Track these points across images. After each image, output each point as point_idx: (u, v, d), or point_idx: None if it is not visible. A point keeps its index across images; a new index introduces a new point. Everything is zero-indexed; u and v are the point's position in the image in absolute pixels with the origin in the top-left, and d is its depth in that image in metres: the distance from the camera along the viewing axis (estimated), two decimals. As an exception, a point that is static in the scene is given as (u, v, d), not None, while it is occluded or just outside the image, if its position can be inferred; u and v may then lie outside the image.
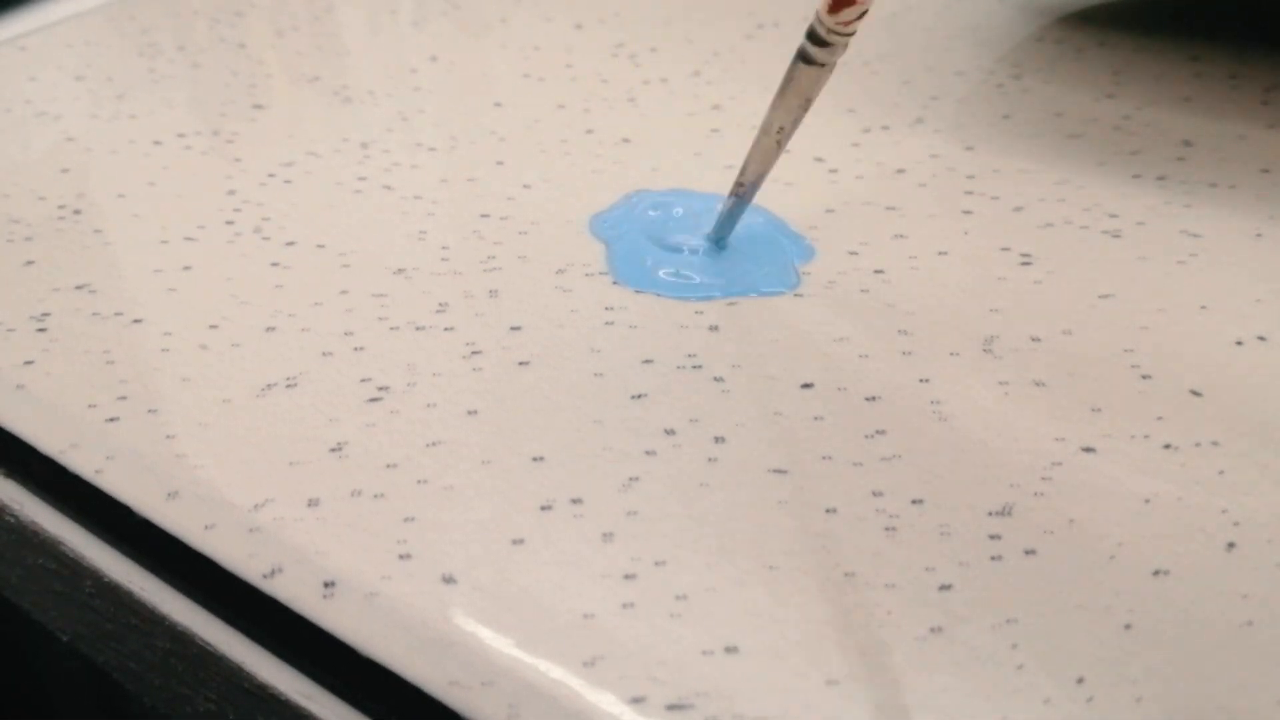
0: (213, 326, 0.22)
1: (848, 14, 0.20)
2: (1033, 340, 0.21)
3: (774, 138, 0.22)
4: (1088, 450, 0.18)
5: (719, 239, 0.24)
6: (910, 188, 0.26)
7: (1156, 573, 0.16)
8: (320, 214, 0.26)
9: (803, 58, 0.21)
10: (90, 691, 0.25)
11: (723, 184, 0.26)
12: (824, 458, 0.18)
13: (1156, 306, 0.22)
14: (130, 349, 0.21)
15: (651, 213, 0.25)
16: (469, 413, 0.20)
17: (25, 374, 0.21)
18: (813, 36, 0.21)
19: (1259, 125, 0.28)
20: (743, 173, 0.23)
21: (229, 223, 0.25)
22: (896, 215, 0.25)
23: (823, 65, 0.21)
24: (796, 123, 0.22)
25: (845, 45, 0.21)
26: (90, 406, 0.20)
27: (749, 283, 0.23)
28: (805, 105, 0.22)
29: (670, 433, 0.19)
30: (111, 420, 0.20)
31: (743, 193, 0.23)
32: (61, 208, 0.26)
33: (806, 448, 0.19)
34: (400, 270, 0.24)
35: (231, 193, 0.27)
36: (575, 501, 0.18)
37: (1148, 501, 0.17)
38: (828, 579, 0.16)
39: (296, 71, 0.33)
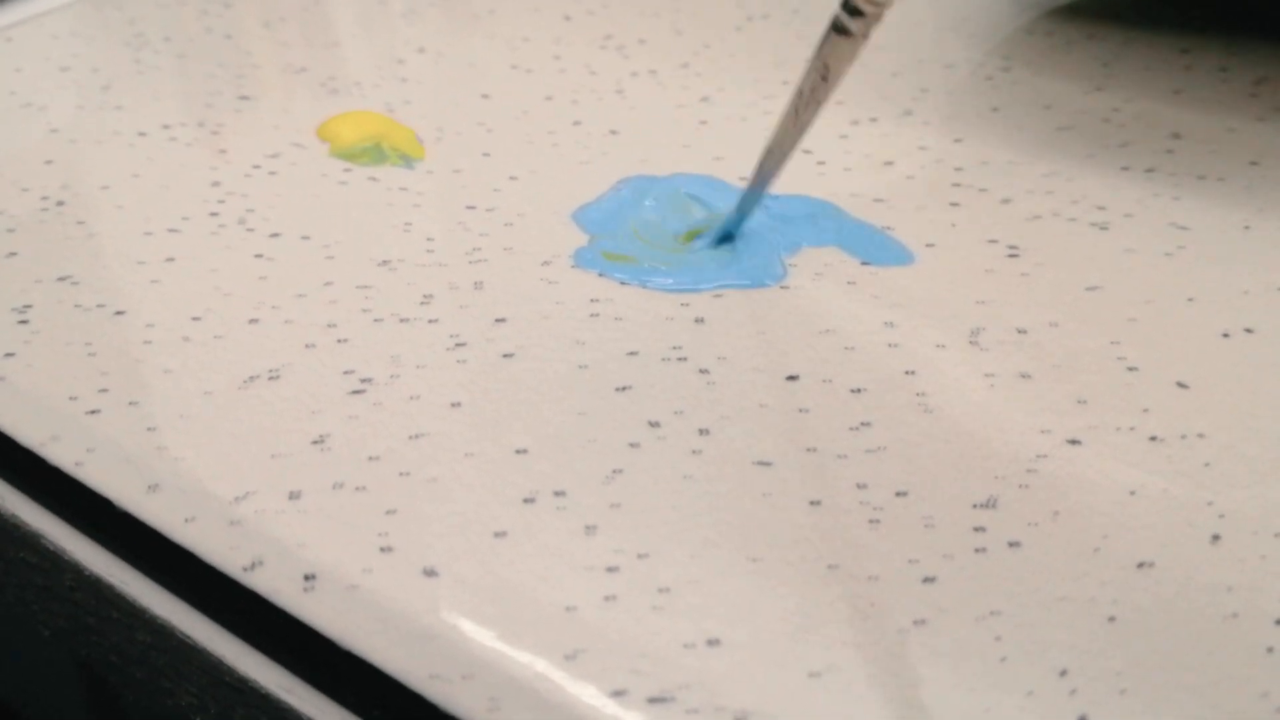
0: (195, 318, 0.22)
1: None
2: (1019, 332, 0.21)
3: (794, 104, 0.22)
4: (1073, 442, 0.18)
5: (733, 228, 0.23)
6: (898, 180, 0.26)
7: (1141, 565, 0.16)
8: (305, 206, 0.26)
9: (832, 23, 0.21)
10: (73, 686, 0.25)
11: (710, 174, 0.26)
12: (809, 450, 0.18)
13: (1144, 298, 0.22)
14: (112, 341, 0.21)
15: (647, 202, 0.25)
16: (452, 405, 0.19)
17: (6, 366, 0.21)
18: (844, 2, 0.20)
19: (1248, 118, 0.28)
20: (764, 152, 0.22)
21: (213, 214, 0.25)
22: (884, 207, 0.25)
23: (849, 34, 0.20)
24: (816, 91, 0.21)
25: (877, 17, 0.20)
26: (71, 399, 0.20)
27: (736, 274, 0.23)
28: (824, 72, 0.21)
29: (655, 425, 0.19)
30: (92, 412, 0.20)
31: (766, 159, 0.22)
32: (45, 199, 0.26)
33: (791, 440, 0.19)
34: (385, 262, 0.23)
35: (216, 184, 0.27)
36: (558, 494, 0.18)
37: (1133, 493, 0.17)
38: (811, 571, 0.16)
39: (283, 63, 0.33)
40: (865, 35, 0.21)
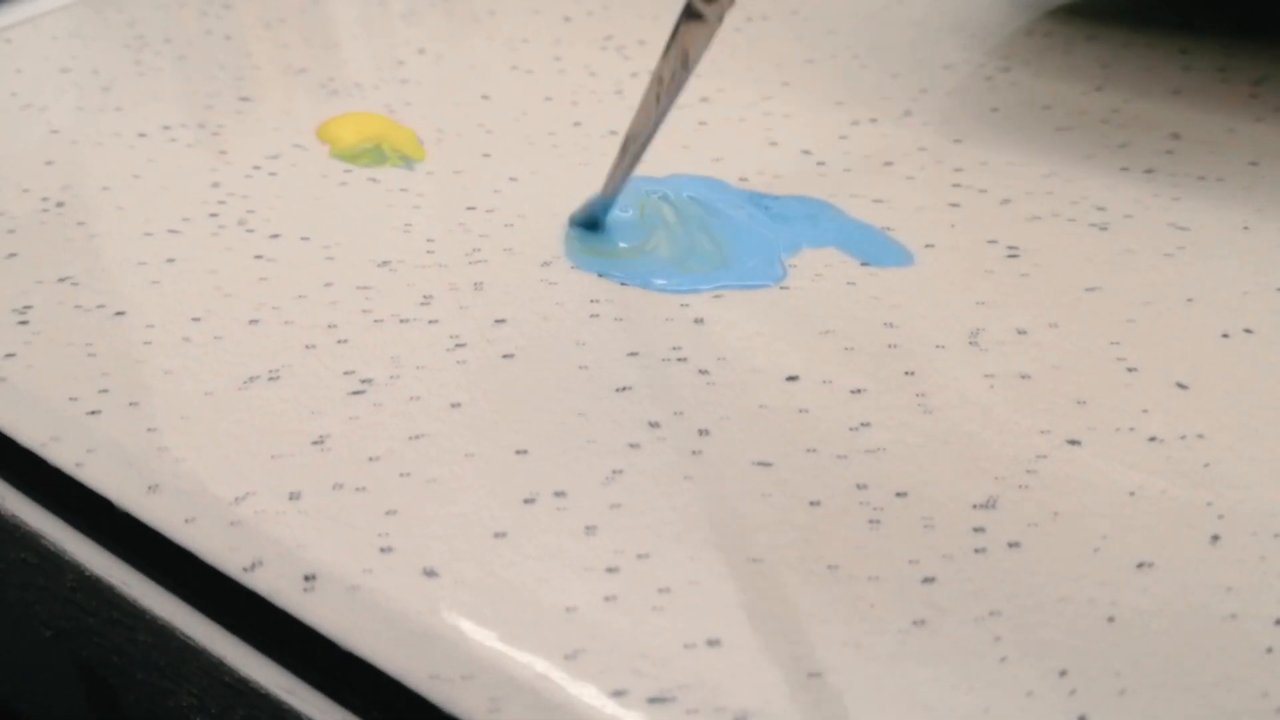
0: (196, 319, 0.22)
1: None
2: (1019, 333, 0.21)
3: (653, 90, 0.21)
4: (1073, 443, 0.18)
5: (602, 207, 0.23)
6: (898, 180, 0.26)
7: (1140, 565, 0.16)
8: (305, 207, 0.26)
9: (686, 10, 0.20)
10: (73, 686, 0.25)
11: (710, 175, 0.26)
12: (808, 450, 0.18)
13: (1143, 299, 0.22)
14: (112, 341, 0.21)
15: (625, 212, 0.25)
16: (452, 405, 0.19)
17: (7, 366, 0.21)
18: None
19: (1247, 118, 0.28)
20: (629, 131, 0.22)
21: (213, 215, 0.25)
22: (884, 208, 0.25)
23: (702, 19, 0.20)
24: (676, 77, 0.21)
25: (730, 2, 0.20)
26: (71, 399, 0.20)
27: (736, 275, 0.23)
28: (684, 61, 0.21)
29: (654, 425, 0.19)
30: (93, 413, 0.20)
31: (625, 148, 0.22)
32: (45, 200, 0.26)
33: (791, 440, 0.19)
34: (385, 263, 0.23)
35: (216, 185, 0.27)
36: (558, 494, 0.18)
37: (1132, 494, 0.17)
38: (811, 572, 0.16)
39: (284, 64, 0.33)
40: (719, 19, 0.20)
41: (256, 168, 0.27)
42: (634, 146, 0.22)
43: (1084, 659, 0.15)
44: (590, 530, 0.17)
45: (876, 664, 0.15)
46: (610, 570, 0.16)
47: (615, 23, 0.35)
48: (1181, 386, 0.19)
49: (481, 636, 0.15)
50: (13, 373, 0.21)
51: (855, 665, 0.15)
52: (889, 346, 0.21)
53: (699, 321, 0.21)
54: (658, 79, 0.21)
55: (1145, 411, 0.19)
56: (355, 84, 0.31)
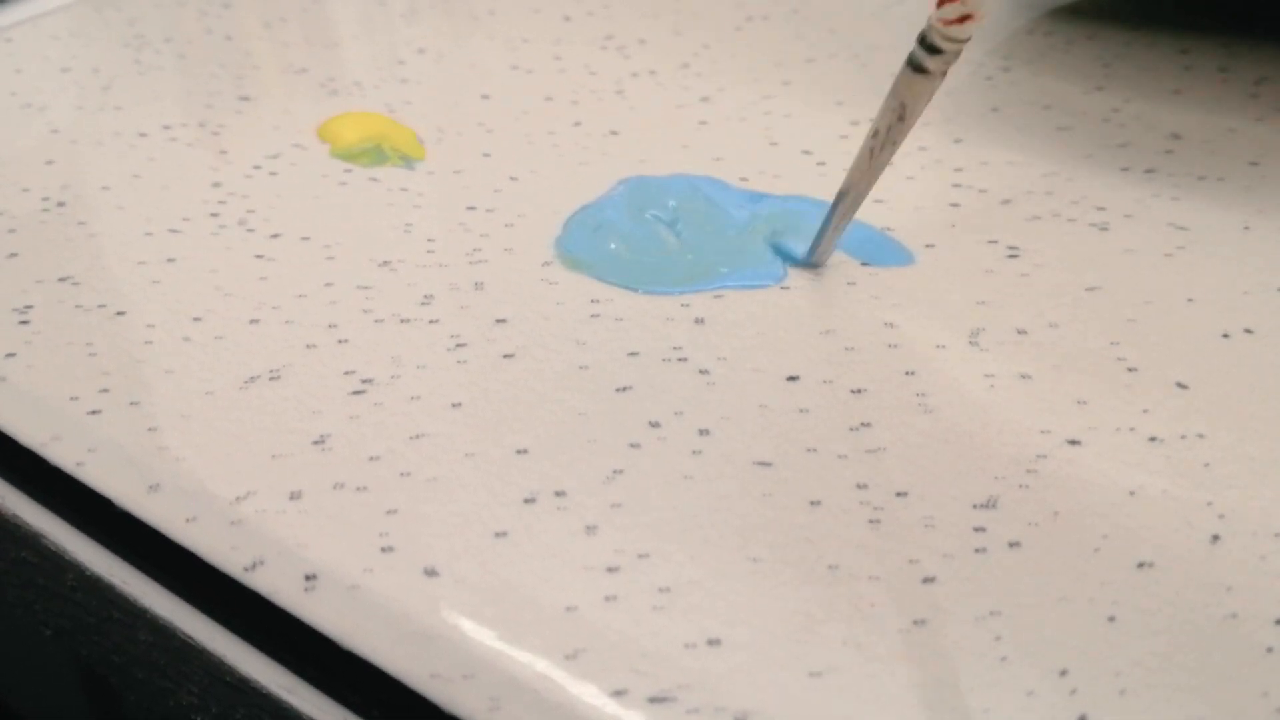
0: (196, 319, 0.22)
1: (948, 11, 0.19)
2: (1019, 333, 0.21)
3: (869, 144, 0.21)
4: (1073, 443, 0.18)
5: (813, 256, 0.23)
6: (898, 180, 0.26)
7: (1141, 565, 0.16)
8: (305, 206, 0.26)
9: (908, 62, 0.20)
10: (73, 686, 0.25)
11: (710, 175, 0.26)
12: (809, 450, 0.18)
13: (1143, 299, 0.22)
14: (113, 341, 0.21)
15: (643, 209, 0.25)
16: (453, 405, 0.19)
17: (7, 366, 0.21)
18: (921, 39, 0.20)
19: (1248, 118, 0.28)
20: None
21: (214, 215, 0.25)
22: (884, 208, 0.25)
23: (925, 73, 0.20)
24: (892, 131, 0.21)
25: (955, 55, 0.20)
26: (72, 399, 0.20)
27: (736, 275, 0.23)
28: (901, 114, 0.20)
29: (655, 425, 0.19)
30: (93, 413, 0.20)
31: (839, 202, 0.22)
32: (46, 199, 0.26)
33: (791, 440, 0.19)
34: (385, 262, 0.23)
35: (217, 185, 0.27)
36: (559, 494, 0.18)
37: (1133, 494, 0.17)
38: (811, 571, 0.16)
39: (284, 63, 0.33)
40: (943, 73, 0.20)
41: (257, 167, 0.27)
42: (848, 202, 0.22)
43: (1084, 659, 0.15)
44: (590, 530, 0.17)
45: (877, 663, 0.15)
46: (610, 570, 0.16)
47: (616, 22, 0.35)
48: (1181, 386, 0.19)
49: (482, 636, 0.15)
50: (13, 372, 0.21)
51: (856, 665, 0.15)
52: (889, 346, 0.21)
53: (699, 321, 0.21)
54: (874, 132, 0.21)
55: (1145, 411, 0.19)
56: (355, 83, 0.31)
